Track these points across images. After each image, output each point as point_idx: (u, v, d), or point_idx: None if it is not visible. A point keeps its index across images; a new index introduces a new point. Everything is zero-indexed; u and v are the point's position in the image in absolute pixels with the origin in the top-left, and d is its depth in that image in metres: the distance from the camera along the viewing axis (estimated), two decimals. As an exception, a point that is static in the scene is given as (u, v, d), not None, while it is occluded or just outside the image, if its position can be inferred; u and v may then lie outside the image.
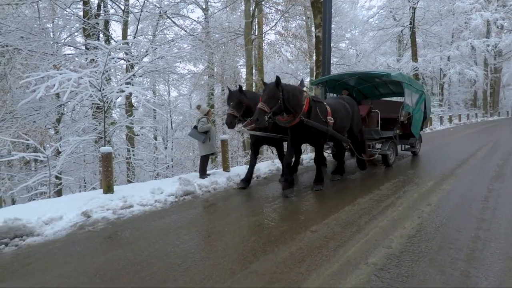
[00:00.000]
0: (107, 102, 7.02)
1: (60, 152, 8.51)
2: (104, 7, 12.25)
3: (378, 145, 7.06)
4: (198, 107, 5.83)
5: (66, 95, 5.94)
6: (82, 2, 11.38)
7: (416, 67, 20.61)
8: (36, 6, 11.01)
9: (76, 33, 12.25)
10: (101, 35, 11.89)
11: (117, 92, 6.87)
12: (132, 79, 8.54)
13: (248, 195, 4.74)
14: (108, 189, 4.49)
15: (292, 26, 19.47)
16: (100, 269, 2.54)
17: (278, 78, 4.41)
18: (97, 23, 11.45)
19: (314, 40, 13.52)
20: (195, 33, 13.27)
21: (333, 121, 4.93)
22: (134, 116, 10.02)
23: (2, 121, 8.81)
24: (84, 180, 12.95)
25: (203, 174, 5.55)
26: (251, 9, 14.25)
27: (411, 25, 20.41)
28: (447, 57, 24.00)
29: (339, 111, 5.25)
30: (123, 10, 11.44)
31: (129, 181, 10.53)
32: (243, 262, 2.57)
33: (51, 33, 11.46)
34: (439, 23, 22.83)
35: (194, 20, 14.34)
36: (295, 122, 4.55)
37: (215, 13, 16.29)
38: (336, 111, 5.14)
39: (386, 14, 23.55)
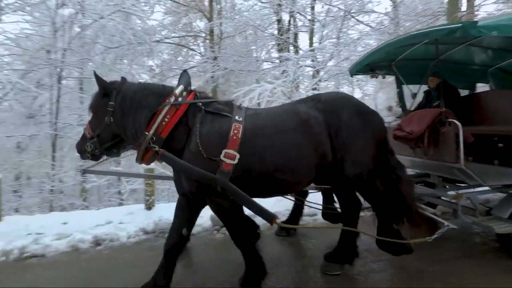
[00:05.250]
0: (295, 108, 7.55)
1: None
2: (293, 21, 13.48)
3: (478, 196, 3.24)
4: (390, 108, 5.16)
5: (264, 105, 6.82)
6: (276, 21, 13.00)
7: None
8: (244, 34, 13.62)
9: (271, 50, 14.16)
10: (291, 47, 13.15)
11: (304, 98, 7.25)
12: (318, 85, 8.80)
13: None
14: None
15: (524, -12, 14.24)
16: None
17: (101, 80, 2.46)
18: (288, 37, 12.72)
19: None
20: (382, 27, 12.19)
21: (235, 160, 2.22)
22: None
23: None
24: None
25: None
26: (456, -19, 11.52)
27: None
28: None
29: (275, 135, 2.36)
30: (310, 20, 12.10)
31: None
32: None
33: (254, 53, 13.79)
34: None
35: (381, 13, 13.21)
36: (146, 157, 2.35)
37: (407, -1, 14.36)
38: (264, 135, 2.35)
39: None
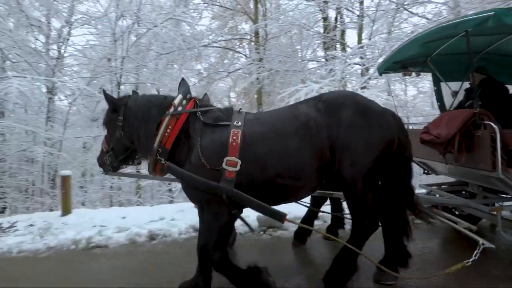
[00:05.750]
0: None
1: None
2: (340, 18, 13.06)
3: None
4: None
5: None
6: (322, 19, 12.70)
7: None
8: (289, 34, 13.53)
9: (317, 49, 13.87)
10: (337, 45, 12.74)
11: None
12: (367, 83, 8.42)
13: None
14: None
15: None
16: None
17: (109, 96, 2.62)
18: (335, 35, 12.35)
19: None
20: (440, 18, 11.26)
21: (238, 167, 2.21)
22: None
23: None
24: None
25: None
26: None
27: None
28: None
29: (274, 140, 2.31)
30: (358, 16, 11.61)
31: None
32: None
33: (299, 53, 13.63)
34: None
35: (439, 3, 12.19)
36: (156, 169, 2.43)
37: (469, -15, 13.06)
38: (264, 140, 2.30)
39: None
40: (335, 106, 2.42)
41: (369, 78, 8.87)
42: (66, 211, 4.80)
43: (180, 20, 10.90)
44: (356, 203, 2.43)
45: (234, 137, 2.26)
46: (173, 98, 2.50)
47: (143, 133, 2.45)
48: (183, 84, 2.62)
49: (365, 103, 2.50)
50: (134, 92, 2.77)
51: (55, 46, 10.43)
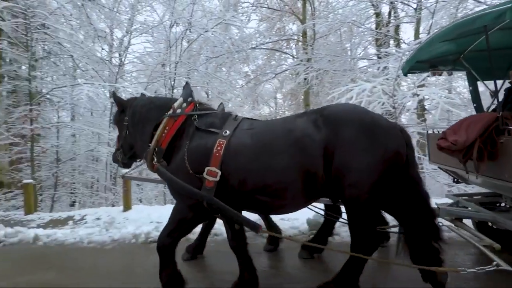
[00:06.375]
0: (398, 108, 6.85)
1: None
2: (394, 12, 12.28)
3: None
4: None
5: (363, 105, 6.38)
6: (374, 15, 12.08)
7: None
8: (338, 32, 13.10)
9: (369, 46, 13.22)
10: (391, 41, 12.00)
11: (410, 97, 6.52)
12: (426, 80, 7.81)
13: None
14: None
15: None
16: None
17: (118, 98, 2.87)
18: (388, 31, 11.65)
19: None
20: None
21: (217, 178, 2.21)
22: (425, 120, 9.18)
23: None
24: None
25: None
26: None
27: None
28: None
29: (260, 155, 2.24)
30: (415, 9, 10.82)
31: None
32: None
33: (349, 51, 13.12)
34: None
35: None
36: (155, 168, 2.44)
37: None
38: (249, 154, 2.25)
39: None
40: (336, 122, 2.25)
41: (428, 75, 8.21)
42: (127, 207, 5.19)
43: (229, 24, 11.19)
44: (357, 224, 2.26)
45: (218, 148, 2.26)
46: (176, 100, 2.61)
47: (141, 132, 2.61)
48: (186, 88, 2.73)
49: (369, 119, 2.29)
50: (142, 94, 3.00)
51: (117, 55, 11.41)
